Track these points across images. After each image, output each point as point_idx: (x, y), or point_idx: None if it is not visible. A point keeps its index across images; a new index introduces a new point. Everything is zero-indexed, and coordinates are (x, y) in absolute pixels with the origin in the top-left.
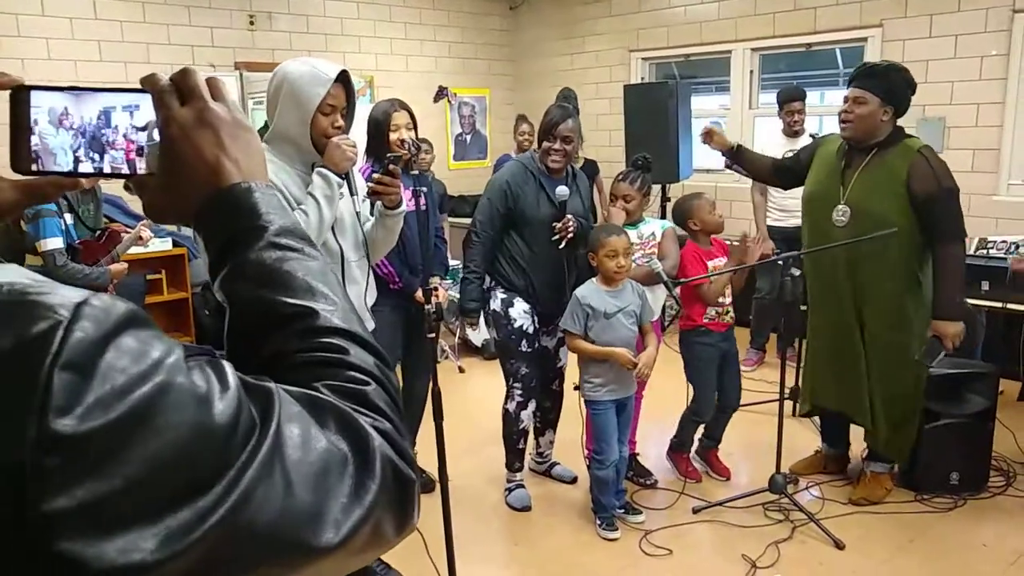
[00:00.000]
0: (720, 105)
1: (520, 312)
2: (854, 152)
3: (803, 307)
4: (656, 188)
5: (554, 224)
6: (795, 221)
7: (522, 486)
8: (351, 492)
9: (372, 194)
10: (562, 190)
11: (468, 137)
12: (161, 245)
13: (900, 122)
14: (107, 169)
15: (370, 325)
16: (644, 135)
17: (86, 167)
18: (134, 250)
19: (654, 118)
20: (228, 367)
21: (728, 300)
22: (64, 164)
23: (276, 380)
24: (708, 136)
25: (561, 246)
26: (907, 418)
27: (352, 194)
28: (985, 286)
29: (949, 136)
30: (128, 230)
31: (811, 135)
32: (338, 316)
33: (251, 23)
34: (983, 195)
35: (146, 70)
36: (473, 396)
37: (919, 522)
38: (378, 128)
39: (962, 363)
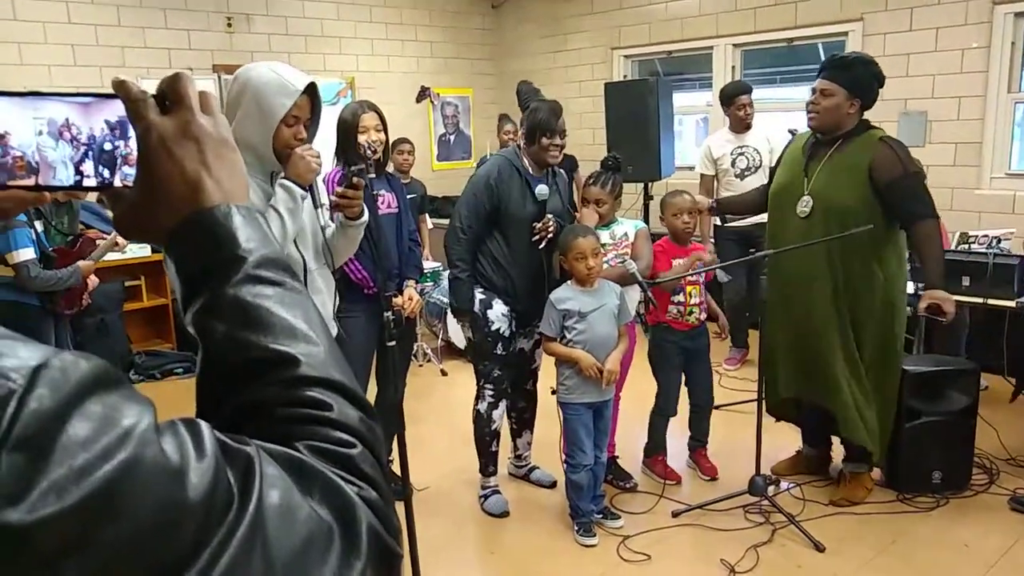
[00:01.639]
0: (706, 103)
1: (498, 315)
2: (819, 145)
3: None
4: (639, 186)
5: (534, 224)
6: (749, 219)
7: (498, 491)
8: (335, 572)
9: (335, 207)
10: (542, 189)
11: (452, 137)
12: (140, 251)
13: (874, 115)
14: (118, 184)
15: (333, 331)
16: (626, 133)
17: (91, 182)
18: (112, 256)
19: (635, 116)
20: (205, 428)
21: (695, 300)
22: (65, 179)
23: (253, 433)
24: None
25: (541, 246)
26: (888, 413)
27: (316, 206)
28: (966, 281)
29: (931, 130)
30: (104, 236)
31: (790, 131)
32: (320, 362)
33: (229, 25)
34: (965, 189)
35: (122, 75)
36: (455, 399)
37: (901, 522)
38: (347, 130)
39: (943, 360)
